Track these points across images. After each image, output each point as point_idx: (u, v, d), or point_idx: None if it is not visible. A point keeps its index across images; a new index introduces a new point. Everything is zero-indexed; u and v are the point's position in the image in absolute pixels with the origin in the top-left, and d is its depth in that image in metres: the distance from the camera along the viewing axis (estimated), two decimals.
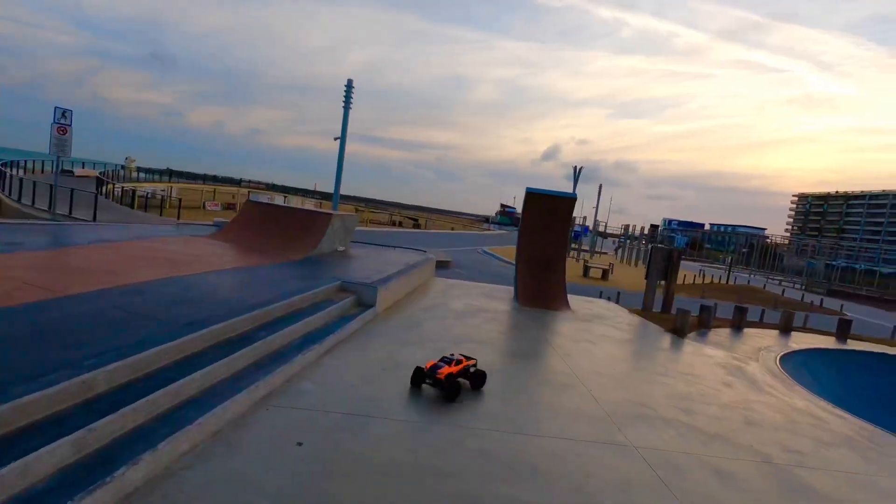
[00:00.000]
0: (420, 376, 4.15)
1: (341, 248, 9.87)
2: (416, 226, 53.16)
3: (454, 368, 4.17)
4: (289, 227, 9.15)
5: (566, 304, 9.25)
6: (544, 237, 9.73)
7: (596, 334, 7.52)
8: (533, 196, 9.63)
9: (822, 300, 28.33)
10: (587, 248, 46.59)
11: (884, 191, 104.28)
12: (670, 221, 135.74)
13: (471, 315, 7.54)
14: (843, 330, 10.90)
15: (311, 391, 3.82)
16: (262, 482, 2.54)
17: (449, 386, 4.01)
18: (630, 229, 51.46)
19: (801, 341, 9.91)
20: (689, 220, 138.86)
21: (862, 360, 9.49)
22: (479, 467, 3.04)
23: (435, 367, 4.11)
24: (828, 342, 10.23)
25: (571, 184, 52.16)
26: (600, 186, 46.89)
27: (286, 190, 64.58)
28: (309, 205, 37.47)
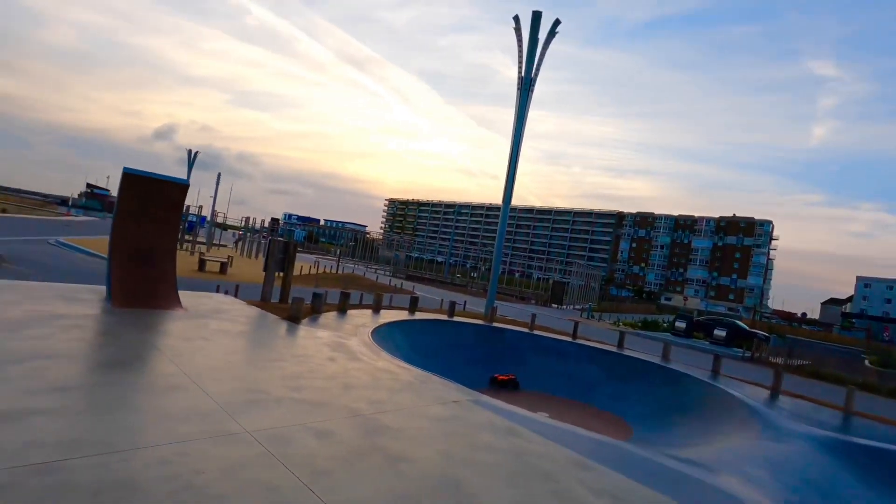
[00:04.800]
0: None
1: None
2: None
3: None
4: None
5: (177, 302, 8.42)
6: (148, 227, 8.51)
7: (211, 330, 7.20)
8: (133, 179, 8.25)
9: (402, 283, 36.26)
10: (204, 240, 43.33)
11: (440, 201, 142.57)
12: (290, 216, 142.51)
13: (39, 324, 5.84)
14: (413, 305, 14.35)
15: None
16: None
17: None
18: (251, 222, 51.09)
19: (387, 316, 12.46)
20: (307, 215, 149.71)
21: (422, 326, 12.79)
22: None
23: None
24: (403, 315, 13.26)
25: (186, 169, 47.22)
26: (219, 175, 44.49)
27: None
28: None
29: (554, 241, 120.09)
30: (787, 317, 79.25)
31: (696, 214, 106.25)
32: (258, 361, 6.30)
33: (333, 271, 37.98)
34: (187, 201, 11.47)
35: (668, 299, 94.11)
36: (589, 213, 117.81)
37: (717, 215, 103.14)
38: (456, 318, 14.41)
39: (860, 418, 10.35)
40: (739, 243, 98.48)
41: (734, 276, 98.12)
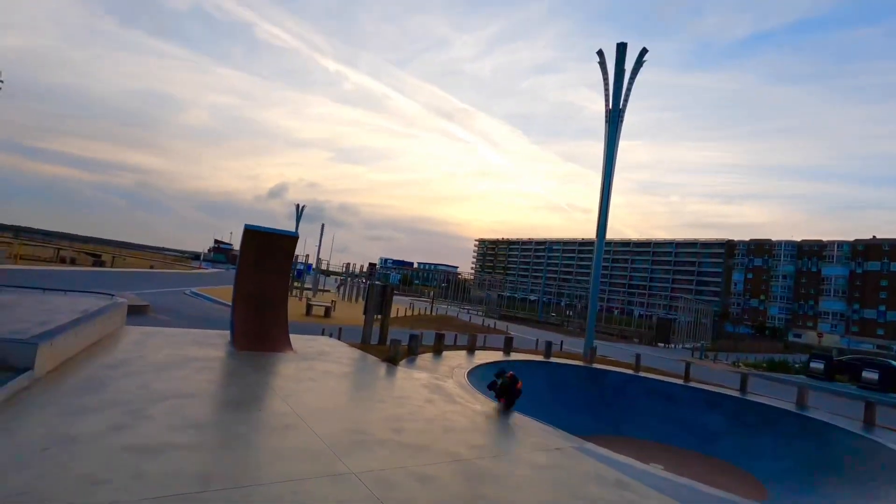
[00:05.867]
0: None
1: None
2: (99, 263, 43.02)
3: None
4: None
5: (288, 345, 9.10)
6: (264, 276, 9.41)
7: (318, 371, 7.64)
8: (252, 234, 9.25)
9: (495, 323, 35.91)
10: (310, 286, 46.73)
11: (530, 239, 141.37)
12: (386, 260, 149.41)
13: (177, 366, 6.61)
14: (508, 346, 14.11)
15: None
16: None
17: None
18: (351, 267, 54.37)
19: (482, 357, 12.35)
20: (401, 258, 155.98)
21: (518, 367, 12.46)
22: None
23: None
24: (498, 356, 13.07)
25: (294, 222, 51.96)
26: (322, 226, 48.19)
27: None
28: None
29: (655, 275, 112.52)
30: None
31: (825, 239, 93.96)
32: (361, 402, 6.53)
33: (428, 313, 38.79)
34: (296, 251, 12.54)
35: (798, 336, 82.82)
36: (694, 244, 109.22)
37: (851, 238, 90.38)
38: (553, 359, 13.88)
39: None
40: (885, 269, 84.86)
41: (882, 308, 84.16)
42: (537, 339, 22.42)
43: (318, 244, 52.74)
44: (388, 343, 10.29)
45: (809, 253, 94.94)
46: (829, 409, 12.45)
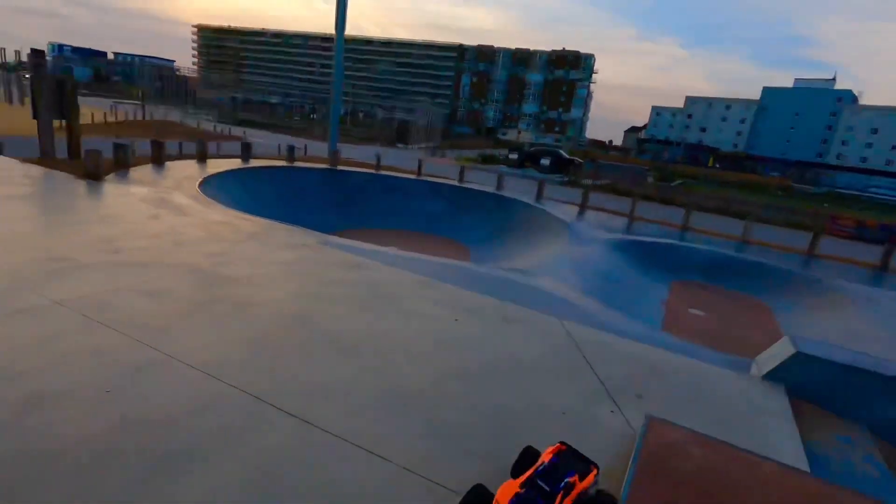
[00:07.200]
0: None
1: None
2: None
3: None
4: None
5: None
6: None
7: None
8: None
9: (230, 129, 32.26)
10: None
11: (264, 29, 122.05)
12: (62, 47, 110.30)
13: None
14: (247, 152, 13.04)
15: None
16: None
17: None
18: (2, 55, 38.46)
19: (217, 166, 11.22)
20: (87, 46, 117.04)
21: (260, 174, 11.89)
22: None
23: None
24: (236, 163, 12.07)
25: None
26: None
27: None
28: None
29: (398, 77, 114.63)
30: (599, 145, 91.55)
31: (532, 48, 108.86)
32: (54, 227, 5.33)
33: (139, 118, 31.90)
34: None
35: (504, 134, 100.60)
36: (431, 46, 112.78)
37: (549, 49, 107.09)
38: (298, 164, 13.63)
39: (640, 222, 13.11)
40: (566, 77, 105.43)
41: (560, 110, 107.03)
42: (279, 145, 21.37)
43: None
44: (83, 156, 8.21)
45: (520, 60, 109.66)
46: (519, 189, 16.16)
